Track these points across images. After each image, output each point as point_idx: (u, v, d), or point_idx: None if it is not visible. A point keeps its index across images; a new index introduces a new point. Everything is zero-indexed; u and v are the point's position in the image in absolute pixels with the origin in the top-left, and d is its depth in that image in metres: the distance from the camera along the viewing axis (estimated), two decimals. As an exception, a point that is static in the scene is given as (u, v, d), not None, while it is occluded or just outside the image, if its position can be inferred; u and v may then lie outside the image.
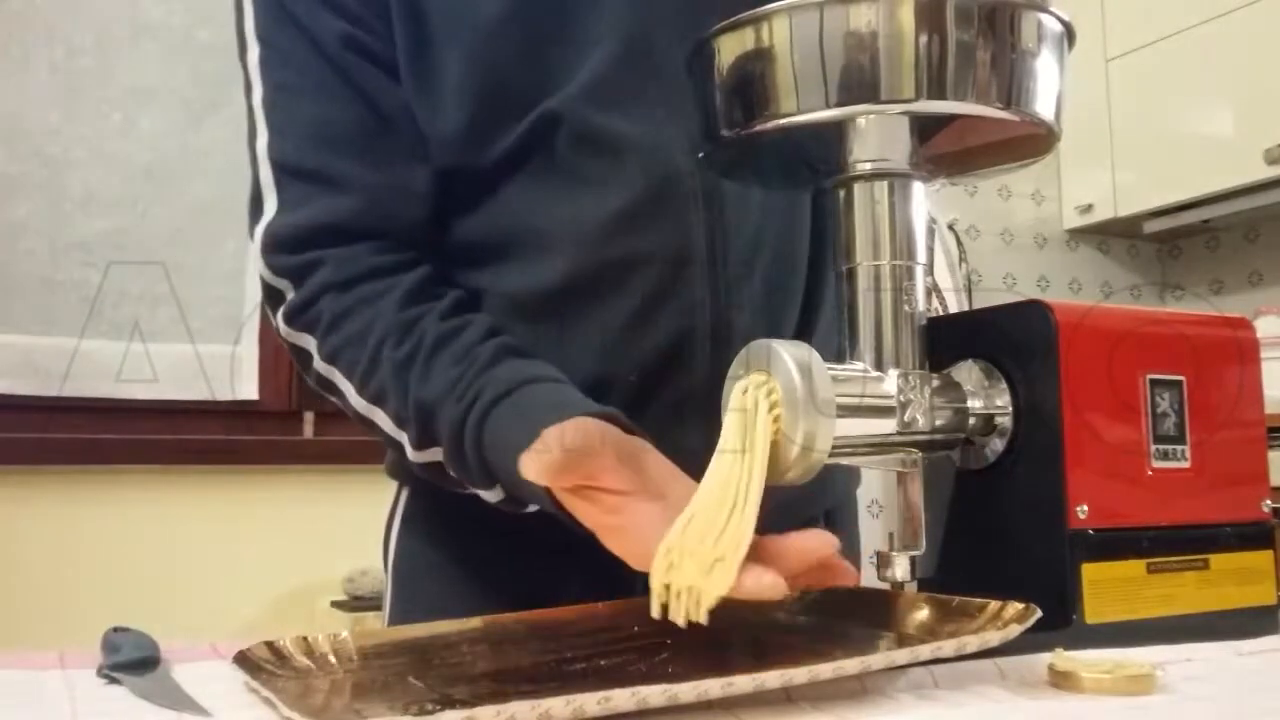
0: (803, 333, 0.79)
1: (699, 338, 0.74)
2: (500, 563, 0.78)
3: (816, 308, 0.81)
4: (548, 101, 0.73)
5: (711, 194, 0.74)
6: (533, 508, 0.66)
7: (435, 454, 0.69)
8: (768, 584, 0.50)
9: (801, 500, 0.74)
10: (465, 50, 0.74)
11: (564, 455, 0.57)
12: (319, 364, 0.74)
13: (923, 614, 0.60)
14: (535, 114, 0.73)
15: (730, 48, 0.62)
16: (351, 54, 0.74)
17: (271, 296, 0.75)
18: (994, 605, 0.55)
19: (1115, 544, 0.61)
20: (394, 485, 0.86)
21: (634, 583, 0.77)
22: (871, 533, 0.79)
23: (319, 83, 0.75)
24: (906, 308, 0.63)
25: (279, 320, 0.74)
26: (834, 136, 0.62)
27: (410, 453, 0.70)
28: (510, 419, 0.63)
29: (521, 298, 0.75)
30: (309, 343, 0.74)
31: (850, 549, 0.90)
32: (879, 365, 0.62)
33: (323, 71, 0.75)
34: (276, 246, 0.74)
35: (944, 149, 0.65)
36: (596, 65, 0.73)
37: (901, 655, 0.49)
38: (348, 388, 0.72)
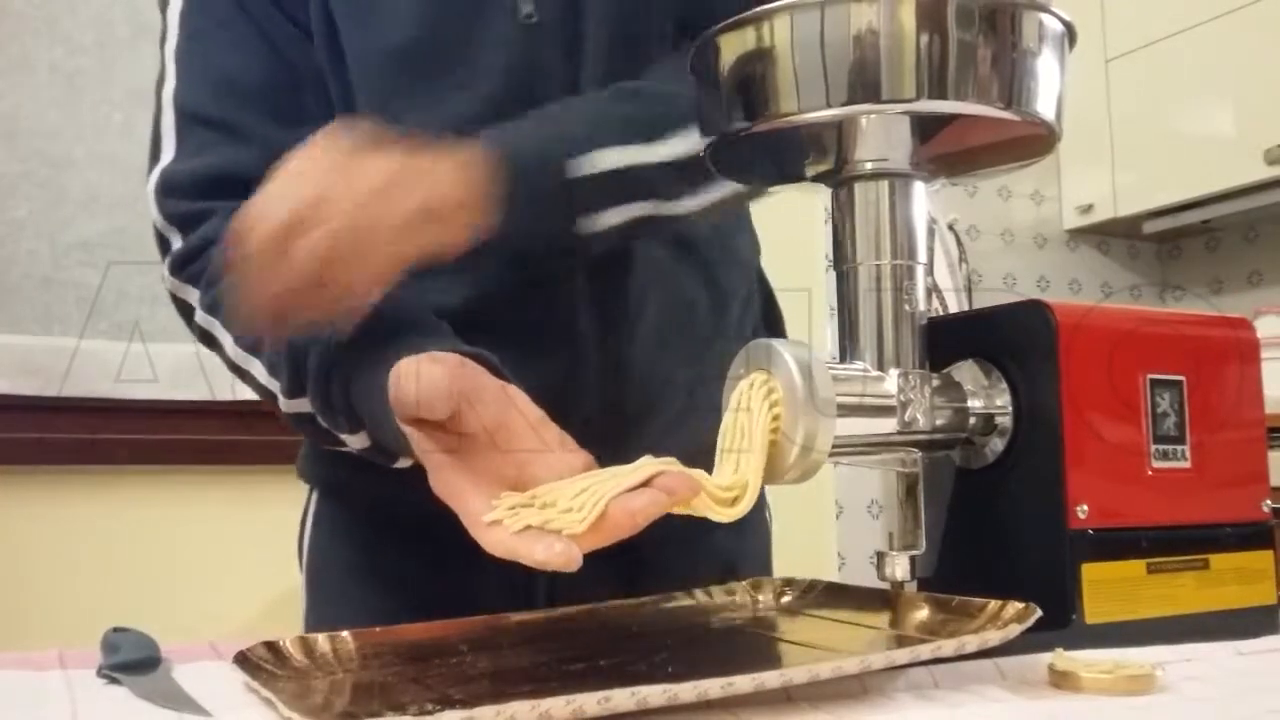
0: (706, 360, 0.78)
1: (590, 366, 0.73)
2: (408, 564, 0.78)
3: (724, 335, 0.80)
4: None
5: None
6: (405, 462, 0.65)
7: (306, 404, 0.68)
8: (558, 552, 0.49)
9: None
10: (364, 77, 0.74)
11: (426, 388, 0.55)
12: (200, 316, 0.73)
13: (922, 614, 0.60)
14: None
15: (731, 47, 0.62)
16: (274, 9, 0.74)
17: (161, 244, 0.74)
18: (994, 605, 0.55)
19: (1115, 544, 0.61)
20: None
21: (536, 585, 0.76)
22: (871, 533, 0.79)
23: (237, 35, 0.75)
24: (907, 307, 0.63)
25: (165, 269, 0.74)
26: (834, 136, 0.62)
27: (282, 402, 0.69)
28: (377, 357, 0.61)
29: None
30: (192, 295, 0.73)
31: (760, 549, 0.89)
32: (879, 365, 0.62)
33: (243, 24, 0.74)
34: (170, 191, 0.73)
35: (944, 149, 0.65)
36: (475, 105, 0.73)
37: (901, 655, 0.49)
38: (226, 339, 0.71)
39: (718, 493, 0.54)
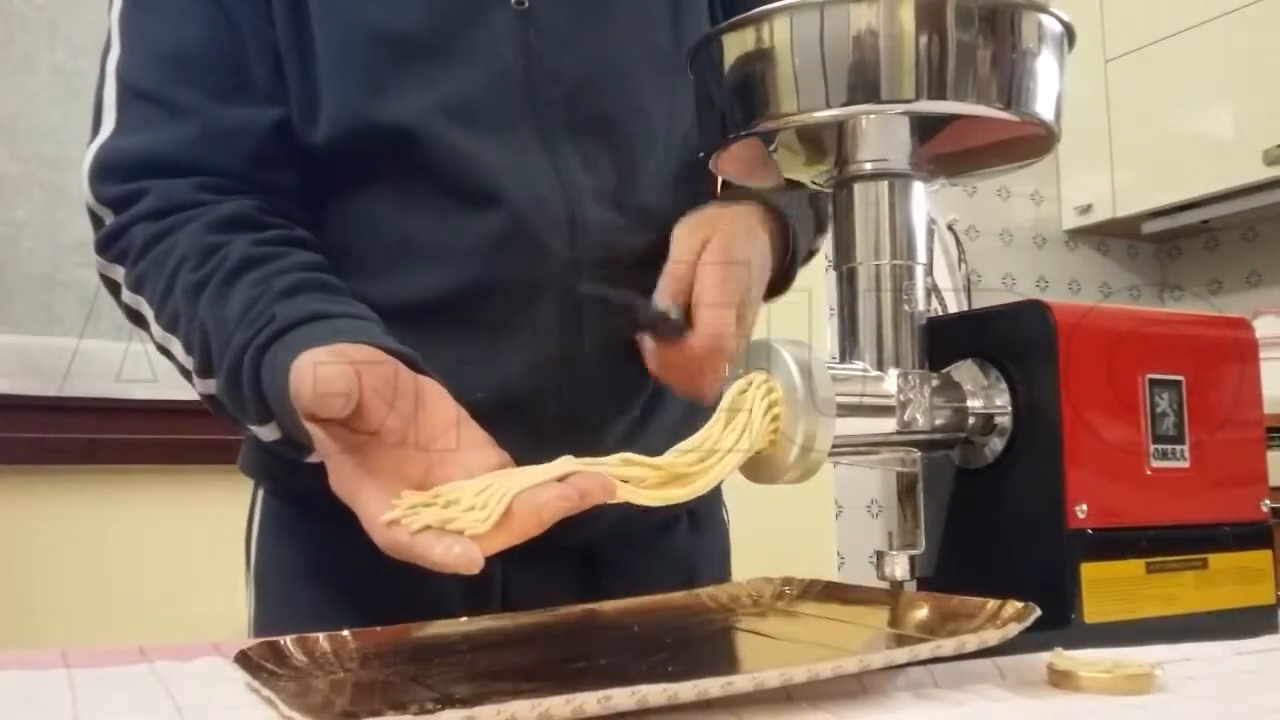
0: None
1: (556, 366, 0.72)
2: (357, 565, 0.76)
3: None
4: (407, 117, 0.71)
5: (577, 224, 0.72)
6: (316, 456, 0.62)
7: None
8: (457, 554, 0.48)
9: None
10: (342, 55, 0.71)
11: (318, 386, 0.53)
12: (126, 294, 0.71)
13: (922, 613, 0.60)
14: (393, 128, 0.71)
15: (731, 47, 0.62)
16: None
17: (95, 224, 0.72)
18: (993, 604, 0.56)
19: (1114, 543, 0.61)
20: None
21: (493, 585, 0.75)
22: (871, 532, 0.79)
23: (185, 4, 0.72)
24: (906, 307, 0.63)
25: (95, 250, 0.72)
26: (834, 137, 0.62)
27: (196, 381, 0.67)
28: (289, 353, 0.58)
29: (383, 307, 0.69)
30: (118, 273, 0.71)
31: (717, 548, 0.88)
32: (879, 365, 0.62)
33: None
34: (105, 173, 0.71)
35: (944, 149, 0.65)
36: (464, 90, 0.71)
37: (901, 654, 0.49)
38: (150, 316, 0.69)
39: (644, 472, 0.54)
